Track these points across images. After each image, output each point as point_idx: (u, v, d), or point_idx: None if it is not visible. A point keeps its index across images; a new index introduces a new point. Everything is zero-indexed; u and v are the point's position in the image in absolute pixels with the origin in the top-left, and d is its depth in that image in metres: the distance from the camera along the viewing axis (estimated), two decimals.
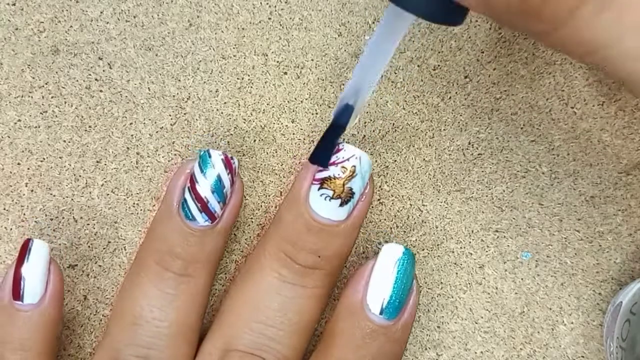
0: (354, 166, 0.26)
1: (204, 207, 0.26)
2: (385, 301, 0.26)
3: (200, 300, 0.27)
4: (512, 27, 0.19)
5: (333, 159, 0.26)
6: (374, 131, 0.30)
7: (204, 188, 0.26)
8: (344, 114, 0.24)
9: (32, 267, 0.26)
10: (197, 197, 0.26)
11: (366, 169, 0.26)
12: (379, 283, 0.26)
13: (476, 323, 0.31)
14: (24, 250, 0.26)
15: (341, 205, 0.26)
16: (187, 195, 0.26)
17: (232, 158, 0.26)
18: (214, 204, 0.26)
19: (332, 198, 0.26)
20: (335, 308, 0.28)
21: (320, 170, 0.26)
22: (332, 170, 0.26)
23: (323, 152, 0.26)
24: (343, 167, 0.26)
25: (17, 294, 0.26)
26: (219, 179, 0.26)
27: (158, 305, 0.27)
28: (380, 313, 0.26)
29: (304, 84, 0.30)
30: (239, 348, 0.26)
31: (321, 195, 0.26)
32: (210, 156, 0.26)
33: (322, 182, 0.26)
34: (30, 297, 0.26)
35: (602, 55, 0.16)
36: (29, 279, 0.26)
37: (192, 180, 0.26)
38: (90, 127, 0.30)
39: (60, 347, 0.30)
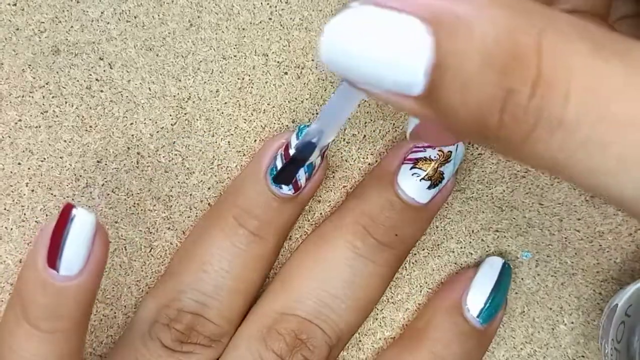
0: (450, 151, 0.27)
1: None
2: (483, 306, 0.28)
3: (265, 262, 0.28)
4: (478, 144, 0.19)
5: None
6: (374, 131, 0.30)
7: None
8: (306, 150, 0.24)
9: (74, 238, 0.22)
10: None
11: (460, 157, 0.27)
12: (481, 288, 0.28)
13: None
14: (66, 214, 0.22)
15: (429, 187, 0.27)
16: (279, 163, 0.27)
17: None
18: (302, 176, 0.27)
19: (422, 179, 0.27)
20: (425, 306, 0.29)
21: (416, 151, 0.27)
22: (428, 152, 0.27)
23: (285, 177, 0.26)
24: (440, 150, 0.27)
25: (53, 261, 0.22)
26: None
27: (227, 257, 0.27)
28: (477, 316, 0.28)
29: (304, 84, 0.30)
30: (298, 314, 0.27)
31: (413, 174, 0.27)
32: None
33: (416, 162, 0.27)
34: (66, 269, 0.22)
35: (568, 173, 0.16)
36: (69, 249, 0.22)
37: (287, 150, 0.27)
38: (90, 127, 0.30)
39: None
